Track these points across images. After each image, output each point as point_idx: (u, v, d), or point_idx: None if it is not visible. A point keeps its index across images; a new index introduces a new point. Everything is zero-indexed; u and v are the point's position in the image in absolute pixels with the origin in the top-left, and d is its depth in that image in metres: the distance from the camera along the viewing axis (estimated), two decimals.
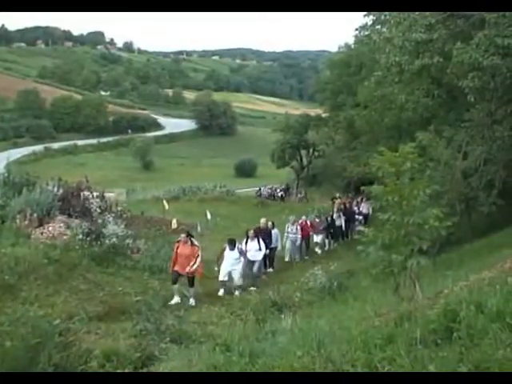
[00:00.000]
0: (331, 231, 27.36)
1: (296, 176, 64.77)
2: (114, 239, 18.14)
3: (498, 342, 4.34)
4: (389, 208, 6.84)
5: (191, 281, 15.47)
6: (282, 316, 9.24)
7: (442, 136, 19.45)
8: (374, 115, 28.90)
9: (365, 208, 32.40)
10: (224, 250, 17.33)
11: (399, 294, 6.94)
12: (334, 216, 28.01)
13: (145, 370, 7.72)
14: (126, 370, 7.82)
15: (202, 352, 6.84)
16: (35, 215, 18.85)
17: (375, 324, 5.95)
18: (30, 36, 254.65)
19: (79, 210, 19.99)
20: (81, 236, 17.76)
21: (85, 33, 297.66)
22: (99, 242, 17.78)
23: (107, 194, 25.86)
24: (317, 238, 26.17)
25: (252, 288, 17.24)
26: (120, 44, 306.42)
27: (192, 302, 14.99)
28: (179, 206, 37.83)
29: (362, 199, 33.84)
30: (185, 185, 53.21)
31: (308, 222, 25.35)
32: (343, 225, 28.80)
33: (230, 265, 17.01)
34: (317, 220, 26.24)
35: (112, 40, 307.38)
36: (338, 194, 39.08)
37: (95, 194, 21.74)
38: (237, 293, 16.48)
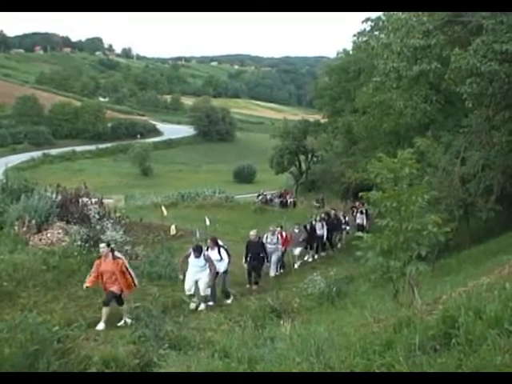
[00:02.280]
0: (311, 242, 25.25)
1: (295, 181, 64.81)
2: (113, 245, 18.12)
3: (497, 348, 4.34)
4: (387, 214, 6.84)
5: (120, 299, 13.25)
6: (281, 322, 9.22)
7: (440, 142, 19.50)
8: (373, 121, 28.90)
9: (359, 219, 31.58)
10: (188, 255, 15.80)
11: (398, 300, 6.95)
12: (316, 226, 25.96)
13: None
14: None
15: (200, 358, 6.84)
16: (33, 221, 18.84)
17: (374, 330, 5.95)
18: (28, 42, 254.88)
19: (78, 217, 19.96)
20: (79, 242, 17.78)
21: (83, 39, 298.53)
22: (97, 249, 17.76)
23: (106, 200, 25.84)
24: (296, 251, 23.86)
25: (210, 303, 15.80)
26: (118, 50, 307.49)
27: (128, 321, 12.74)
28: (178, 211, 37.76)
29: (358, 210, 32.99)
30: (183, 191, 53.12)
31: (283, 233, 22.99)
32: (325, 235, 26.65)
33: (195, 273, 15.48)
34: (296, 231, 23.98)
35: (110, 46, 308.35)
36: (357, 203, 37.34)
37: (94, 200, 21.72)
38: (202, 306, 15.31)
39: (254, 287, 18.79)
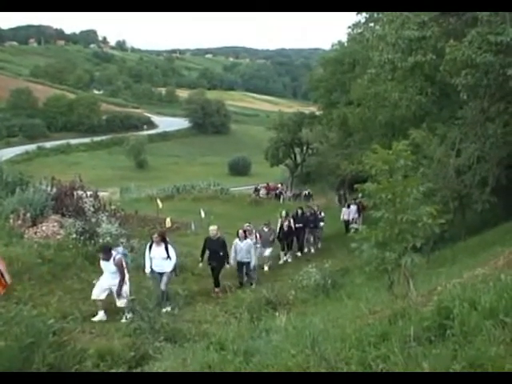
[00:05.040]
0: (282, 242, 23.44)
1: (290, 174, 64.82)
2: (108, 238, 18.13)
3: (492, 339, 4.36)
4: (382, 206, 6.84)
5: None
6: (277, 314, 9.23)
7: (435, 133, 19.47)
8: (368, 113, 28.82)
9: (346, 214, 30.05)
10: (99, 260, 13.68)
11: (393, 292, 6.96)
12: (285, 224, 23.62)
13: (139, 370, 7.72)
14: (121, 370, 7.82)
15: (196, 351, 6.84)
16: (28, 215, 18.82)
17: (369, 322, 5.97)
18: (22, 35, 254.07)
19: (73, 210, 19.93)
20: (74, 235, 17.77)
21: (77, 31, 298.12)
22: (93, 241, 17.77)
23: (101, 193, 25.82)
24: (266, 252, 21.82)
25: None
26: (113, 42, 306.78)
27: None
28: (173, 204, 37.84)
29: (345, 203, 31.80)
30: (179, 183, 53.30)
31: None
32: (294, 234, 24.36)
33: (107, 279, 13.19)
34: (265, 229, 22.16)
35: (105, 38, 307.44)
36: (360, 195, 33.62)
37: (89, 193, 21.68)
38: (124, 320, 12.14)
39: (217, 289, 16.99)
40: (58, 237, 17.97)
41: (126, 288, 13.15)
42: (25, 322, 7.88)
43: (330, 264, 15.69)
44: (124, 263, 13.40)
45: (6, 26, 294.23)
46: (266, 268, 21.53)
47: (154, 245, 14.73)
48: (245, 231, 18.94)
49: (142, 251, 18.43)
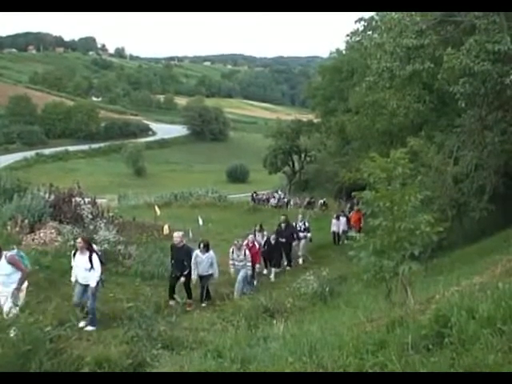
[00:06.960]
0: (268, 256, 21.50)
1: (288, 181, 64.86)
2: (106, 245, 18.11)
3: (489, 348, 4.34)
4: (380, 214, 6.83)
5: None
6: (274, 322, 9.21)
7: (433, 141, 19.52)
8: (366, 121, 28.88)
9: (335, 225, 28.93)
10: None
11: (391, 300, 6.95)
12: (272, 237, 22.03)
13: None
14: None
15: (193, 358, 6.82)
16: (26, 221, 18.80)
17: (367, 329, 5.95)
18: (21, 42, 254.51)
19: (70, 216, 19.92)
20: (72, 242, 17.71)
21: (76, 38, 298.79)
22: None
23: (99, 200, 25.82)
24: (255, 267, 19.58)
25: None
26: (111, 50, 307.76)
27: None
28: (171, 211, 37.75)
29: (337, 215, 29.95)
30: (176, 190, 53.26)
31: (256, 244, 19.70)
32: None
33: (2, 286, 10.81)
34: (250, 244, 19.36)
35: (104, 46, 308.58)
36: (356, 207, 29.38)
37: (87, 199, 21.69)
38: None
39: (172, 302, 14.63)
40: (56, 244, 17.94)
41: (22, 295, 10.96)
42: (21, 329, 7.85)
43: (328, 272, 15.67)
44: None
45: (4, 33, 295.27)
46: (255, 283, 19.36)
47: (78, 252, 12.87)
48: (206, 244, 16.79)
49: (140, 259, 18.49)
